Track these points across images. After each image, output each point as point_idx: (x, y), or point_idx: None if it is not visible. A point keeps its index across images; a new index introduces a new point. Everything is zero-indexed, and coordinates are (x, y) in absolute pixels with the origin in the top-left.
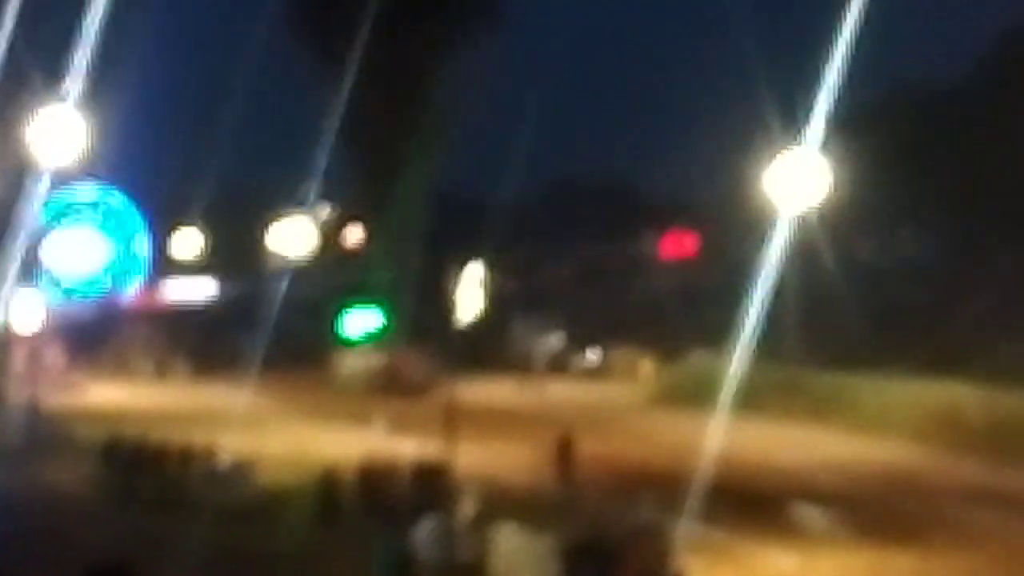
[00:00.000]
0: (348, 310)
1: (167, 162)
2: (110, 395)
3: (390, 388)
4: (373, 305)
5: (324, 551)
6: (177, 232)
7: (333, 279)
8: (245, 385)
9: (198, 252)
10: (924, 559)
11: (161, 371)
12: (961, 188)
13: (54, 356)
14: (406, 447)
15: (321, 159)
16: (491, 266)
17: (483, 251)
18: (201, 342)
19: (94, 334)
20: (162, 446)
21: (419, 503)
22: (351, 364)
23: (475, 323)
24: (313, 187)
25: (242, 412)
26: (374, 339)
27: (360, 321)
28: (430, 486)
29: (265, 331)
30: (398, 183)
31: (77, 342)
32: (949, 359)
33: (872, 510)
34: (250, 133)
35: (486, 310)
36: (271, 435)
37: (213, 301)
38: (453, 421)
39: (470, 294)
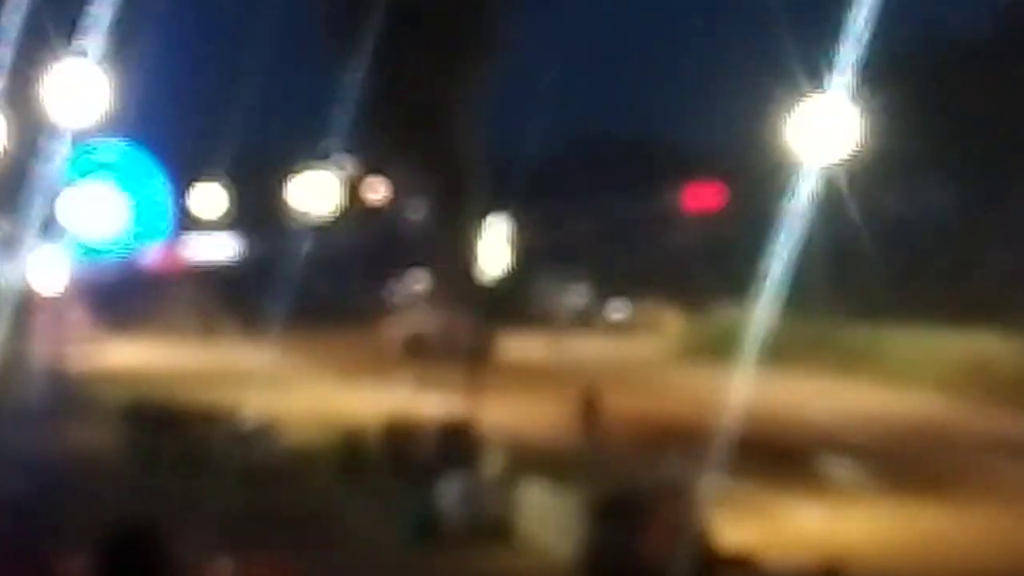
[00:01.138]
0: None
1: (189, 119)
2: (134, 355)
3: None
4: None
5: (350, 509)
6: (200, 190)
7: (359, 237)
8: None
9: (222, 210)
10: (952, 511)
11: (207, 330)
12: (986, 137)
13: (77, 317)
14: (434, 405)
15: (345, 113)
16: (516, 222)
17: (508, 207)
18: (230, 301)
19: (117, 294)
20: (186, 407)
21: (445, 461)
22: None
23: (501, 279)
24: (336, 141)
25: (284, 373)
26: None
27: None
28: (456, 443)
29: (292, 290)
30: (428, 139)
31: (100, 302)
32: (976, 310)
33: (900, 462)
34: (273, 88)
35: (512, 266)
36: (301, 395)
37: (237, 260)
38: (480, 378)
39: (496, 250)
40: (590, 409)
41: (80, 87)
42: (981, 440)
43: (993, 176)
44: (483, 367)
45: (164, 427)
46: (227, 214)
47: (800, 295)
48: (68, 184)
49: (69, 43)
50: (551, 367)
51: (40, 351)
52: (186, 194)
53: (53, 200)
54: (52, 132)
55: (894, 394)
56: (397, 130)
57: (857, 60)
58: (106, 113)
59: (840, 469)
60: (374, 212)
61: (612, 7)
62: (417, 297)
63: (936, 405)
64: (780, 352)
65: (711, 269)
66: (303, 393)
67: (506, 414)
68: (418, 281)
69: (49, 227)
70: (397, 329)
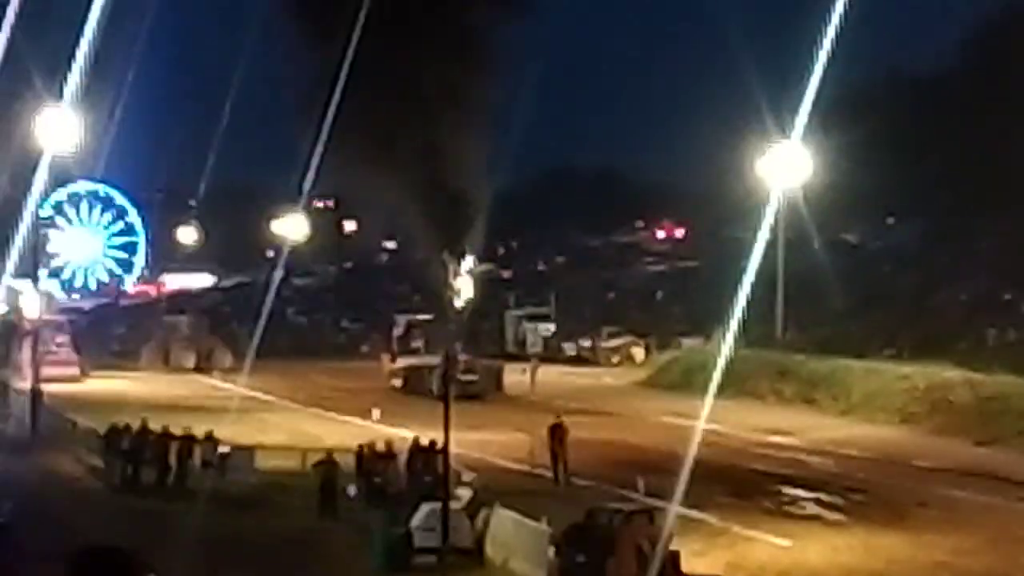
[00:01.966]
0: None
1: (167, 159)
2: (113, 383)
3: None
4: None
5: (323, 535)
6: (176, 226)
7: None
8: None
9: (197, 244)
10: (914, 539)
11: (202, 364)
12: (946, 174)
13: (57, 346)
14: (404, 434)
15: (317, 155)
16: (485, 254)
17: (477, 240)
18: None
19: (96, 324)
20: (164, 433)
21: (416, 488)
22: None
23: (471, 310)
24: (309, 183)
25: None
26: None
27: None
28: (427, 471)
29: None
30: (395, 175)
31: (79, 332)
32: (935, 342)
33: (862, 491)
34: (246, 130)
35: (480, 298)
36: (277, 423)
37: (211, 291)
38: (449, 408)
39: (464, 282)
40: (557, 437)
41: (61, 128)
42: (941, 469)
43: (951, 211)
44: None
45: (142, 452)
46: (203, 248)
47: (763, 328)
48: (49, 219)
49: (49, 85)
50: (520, 395)
51: (21, 379)
52: (164, 230)
53: (34, 233)
54: (33, 170)
55: (856, 424)
56: (367, 173)
57: (818, 100)
58: (86, 152)
59: (803, 498)
60: (349, 245)
61: (584, 51)
62: (415, 331)
63: (897, 435)
64: (744, 383)
65: (676, 302)
66: (279, 421)
67: (478, 442)
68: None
69: (30, 259)
70: (395, 362)
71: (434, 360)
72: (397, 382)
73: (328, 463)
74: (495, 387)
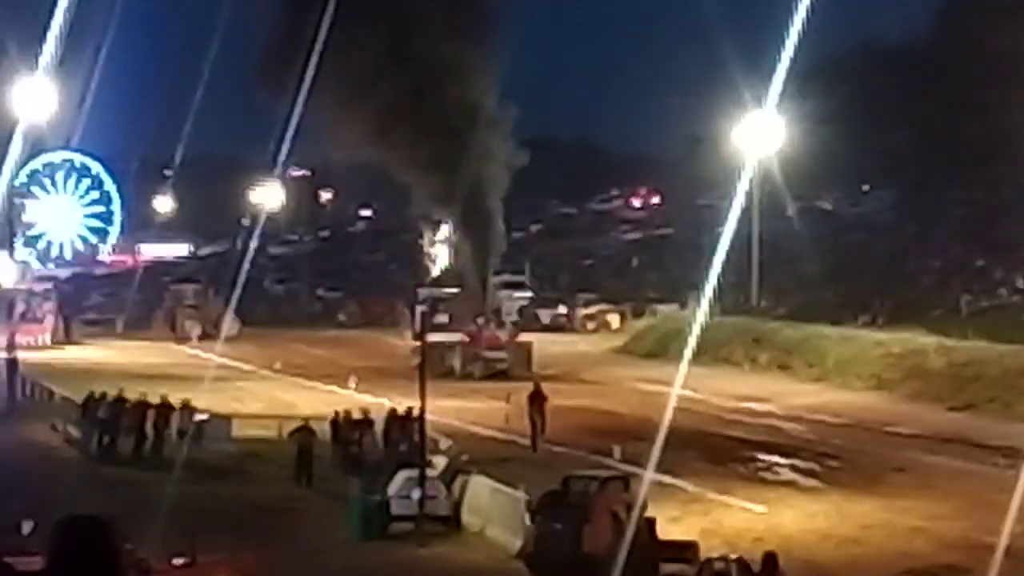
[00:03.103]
0: None
1: (143, 128)
2: (91, 352)
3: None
4: None
5: (300, 503)
6: (152, 195)
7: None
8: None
9: (173, 214)
10: (888, 504)
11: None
12: (919, 142)
13: (34, 315)
14: (381, 402)
15: (295, 124)
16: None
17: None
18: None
19: (72, 294)
20: (141, 402)
21: (392, 456)
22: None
23: (447, 279)
24: (285, 152)
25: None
26: None
27: None
28: (403, 439)
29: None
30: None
31: (57, 301)
32: (910, 309)
33: (837, 457)
34: (223, 100)
35: (457, 266)
36: (253, 391)
37: (188, 260)
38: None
39: (440, 251)
40: (536, 404)
41: (37, 98)
42: (915, 435)
43: (924, 180)
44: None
45: (118, 421)
46: (180, 218)
47: (738, 295)
48: (24, 188)
49: (24, 54)
50: None
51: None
52: (140, 199)
53: (9, 203)
54: (8, 139)
55: (831, 390)
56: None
57: (792, 69)
58: (60, 122)
59: (779, 464)
60: (325, 214)
61: (560, 19)
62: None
63: (871, 401)
64: (719, 350)
65: (652, 270)
66: (256, 389)
67: (455, 408)
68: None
69: (5, 230)
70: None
71: (454, 337)
72: (415, 360)
73: (304, 431)
74: (526, 365)
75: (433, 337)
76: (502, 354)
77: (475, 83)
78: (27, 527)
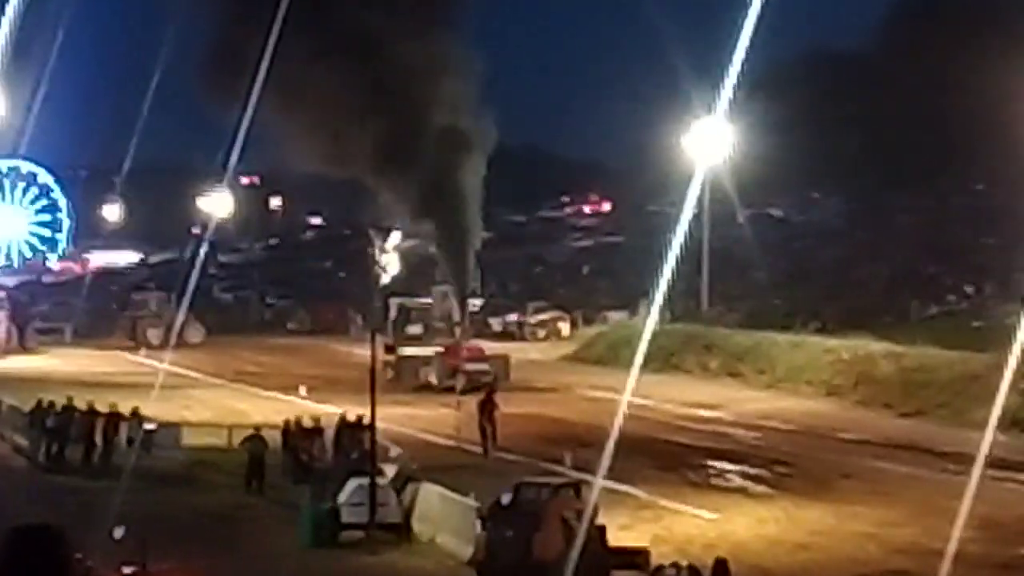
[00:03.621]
0: None
1: (91, 136)
2: (40, 360)
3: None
4: None
5: (251, 512)
6: (101, 203)
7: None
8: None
9: (121, 222)
10: (838, 510)
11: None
12: (868, 149)
13: None
14: (331, 410)
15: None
16: (411, 232)
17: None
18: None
19: (21, 301)
20: (89, 410)
21: (343, 463)
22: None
23: (396, 287)
24: (235, 160)
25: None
26: None
27: None
28: (353, 447)
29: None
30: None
31: (10, 309)
32: (860, 316)
33: (788, 464)
34: (173, 108)
35: (406, 273)
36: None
37: (137, 267)
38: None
39: (390, 258)
40: (487, 412)
41: None
42: (864, 441)
43: (873, 188)
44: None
45: (67, 429)
46: (129, 225)
47: (688, 302)
48: None
49: None
50: None
51: None
52: (89, 207)
53: None
54: None
55: (782, 397)
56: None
57: (742, 76)
58: (8, 130)
59: (728, 470)
60: (275, 221)
61: (512, 27)
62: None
63: (822, 407)
64: (669, 357)
65: (602, 278)
66: (205, 397)
67: (405, 417)
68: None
69: None
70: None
71: (429, 350)
72: (388, 373)
73: (256, 439)
74: (505, 377)
75: (407, 350)
76: (485, 366)
77: (448, 86)
78: (119, 532)
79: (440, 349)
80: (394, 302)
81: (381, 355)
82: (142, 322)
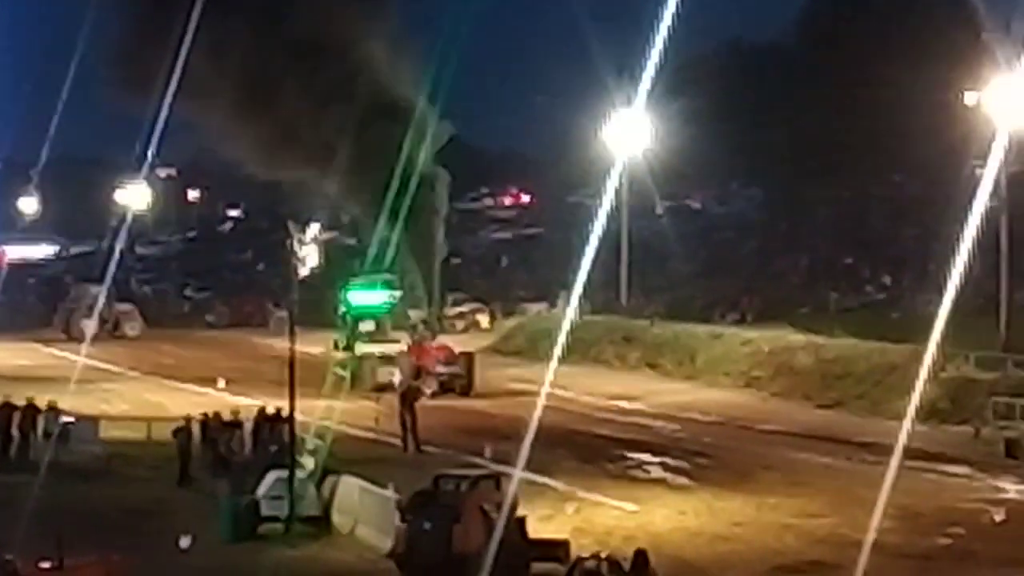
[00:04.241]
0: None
1: (6, 129)
2: None
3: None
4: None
5: (171, 505)
6: (17, 196)
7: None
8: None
9: (38, 214)
10: (759, 501)
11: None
12: (786, 141)
13: None
14: (250, 402)
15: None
16: (330, 222)
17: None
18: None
19: None
20: (6, 404)
21: (262, 456)
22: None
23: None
24: (152, 153)
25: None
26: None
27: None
28: (272, 440)
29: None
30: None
31: None
32: (778, 307)
33: (707, 455)
34: (89, 100)
35: (325, 266)
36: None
37: (55, 260)
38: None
39: (309, 250)
40: (408, 404)
41: None
42: (783, 432)
43: (791, 180)
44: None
45: None
46: (46, 218)
47: (608, 294)
48: None
49: None
50: None
51: None
52: (3, 200)
53: None
54: None
55: (701, 389)
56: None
57: (661, 68)
58: None
59: (649, 462)
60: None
61: (430, 21)
62: None
63: (741, 399)
64: (590, 349)
65: (522, 270)
66: (123, 390)
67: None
68: None
69: None
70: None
71: (388, 349)
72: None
73: (185, 431)
74: (470, 378)
75: (365, 349)
76: (456, 368)
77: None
78: (185, 542)
79: (403, 348)
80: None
81: (332, 353)
82: (76, 314)
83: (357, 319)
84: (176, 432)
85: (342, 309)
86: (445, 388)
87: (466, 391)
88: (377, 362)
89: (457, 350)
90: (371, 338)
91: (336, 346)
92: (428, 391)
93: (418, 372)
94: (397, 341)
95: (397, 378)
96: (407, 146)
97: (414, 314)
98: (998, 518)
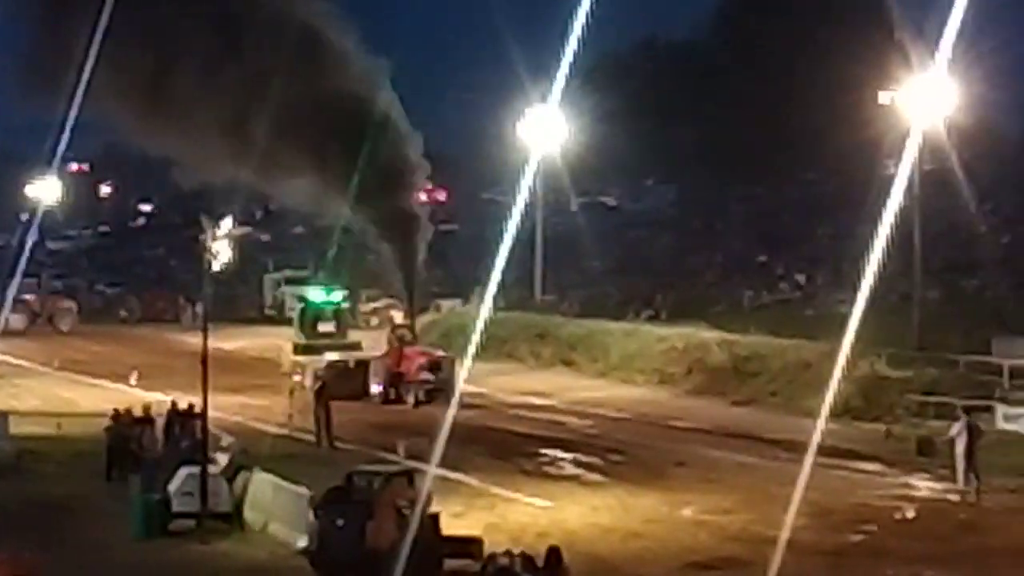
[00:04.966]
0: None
1: None
2: None
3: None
4: None
5: (82, 502)
6: None
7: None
8: None
9: None
10: (672, 498)
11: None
12: (701, 139)
13: None
14: (162, 398)
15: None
16: (243, 217)
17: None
18: None
19: None
20: None
21: (174, 452)
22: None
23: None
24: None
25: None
26: None
27: None
28: (184, 435)
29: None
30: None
31: None
32: (693, 304)
33: (621, 452)
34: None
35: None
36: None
37: None
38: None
39: (222, 245)
40: (321, 399)
41: None
42: (696, 428)
43: (706, 177)
44: None
45: None
46: None
47: (522, 291)
48: None
49: None
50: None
51: None
52: None
53: None
54: None
55: (615, 385)
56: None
57: (575, 65)
58: None
59: (562, 458)
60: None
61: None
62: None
63: (654, 395)
64: (503, 345)
65: (437, 267)
66: (33, 385)
67: (236, 406)
68: None
69: None
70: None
71: (362, 354)
72: (307, 381)
73: (116, 427)
74: (452, 384)
75: (333, 354)
76: (443, 375)
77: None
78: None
79: (382, 353)
80: (290, 291)
81: (290, 355)
82: (7, 306)
83: (316, 318)
84: (109, 428)
85: (299, 306)
86: (429, 398)
87: (436, 399)
88: (351, 368)
89: (438, 353)
90: (332, 339)
91: (296, 349)
92: (410, 400)
93: (394, 379)
94: (358, 344)
95: (376, 386)
96: None
97: (397, 315)
98: (910, 515)
